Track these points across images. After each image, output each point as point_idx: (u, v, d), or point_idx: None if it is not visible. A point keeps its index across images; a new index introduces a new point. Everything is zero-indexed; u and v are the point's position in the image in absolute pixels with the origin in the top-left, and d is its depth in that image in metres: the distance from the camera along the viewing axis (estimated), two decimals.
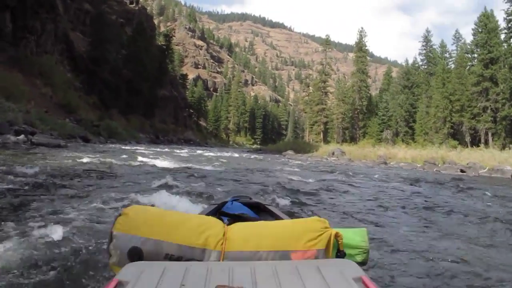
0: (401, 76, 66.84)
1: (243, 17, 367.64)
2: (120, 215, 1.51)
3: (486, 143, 44.59)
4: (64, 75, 35.90)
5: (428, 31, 62.31)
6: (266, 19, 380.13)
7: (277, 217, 2.38)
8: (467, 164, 23.47)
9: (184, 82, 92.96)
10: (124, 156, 13.34)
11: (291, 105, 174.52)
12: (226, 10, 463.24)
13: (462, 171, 22.11)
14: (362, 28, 68.35)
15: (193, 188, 7.08)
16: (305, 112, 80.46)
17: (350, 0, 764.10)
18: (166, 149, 25.03)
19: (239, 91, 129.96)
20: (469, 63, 49.72)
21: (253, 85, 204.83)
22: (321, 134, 71.40)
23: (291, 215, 3.61)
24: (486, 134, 45.18)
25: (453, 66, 54.97)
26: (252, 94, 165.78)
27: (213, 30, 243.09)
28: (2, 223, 3.61)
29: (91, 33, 45.79)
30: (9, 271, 2.56)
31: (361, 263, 1.57)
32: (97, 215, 4.26)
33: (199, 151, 26.86)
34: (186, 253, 1.43)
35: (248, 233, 1.50)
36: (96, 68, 44.38)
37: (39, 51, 34.13)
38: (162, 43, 69.59)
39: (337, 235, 1.51)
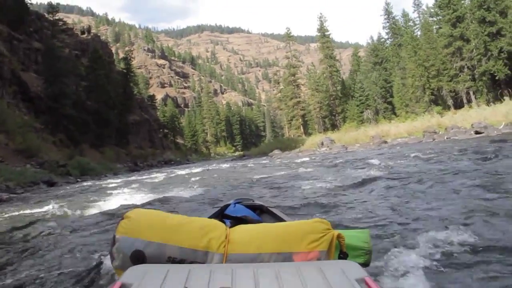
0: (369, 53, 65.99)
1: (200, 28, 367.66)
2: (123, 218, 1.52)
3: (470, 102, 43.52)
4: (20, 118, 33.42)
5: (387, 3, 61.25)
6: (223, 26, 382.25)
7: (279, 219, 2.34)
8: (472, 125, 21.95)
9: (153, 103, 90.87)
10: (86, 196, 11.12)
11: (264, 105, 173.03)
12: (182, 24, 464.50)
13: (478, 132, 20.81)
14: (321, 13, 67.08)
15: None
16: (281, 109, 78.96)
17: None
18: (143, 176, 22.85)
19: (210, 102, 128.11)
20: (436, 26, 48.68)
21: (222, 93, 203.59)
22: (301, 127, 70.22)
23: (294, 217, 3.36)
24: (468, 94, 44.11)
25: (419, 33, 54.03)
26: (224, 102, 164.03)
27: (172, 47, 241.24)
28: None
29: (44, 70, 43.37)
30: None
31: (364, 264, 1.60)
32: None
33: (178, 172, 24.76)
34: (189, 256, 1.44)
35: (251, 236, 1.50)
36: (56, 105, 41.97)
37: None
38: (122, 68, 67.18)
39: (339, 237, 1.50)
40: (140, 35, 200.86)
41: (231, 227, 1.59)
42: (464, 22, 42.75)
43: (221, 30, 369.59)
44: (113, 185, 16.20)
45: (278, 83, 78.74)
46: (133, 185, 14.54)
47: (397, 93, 53.87)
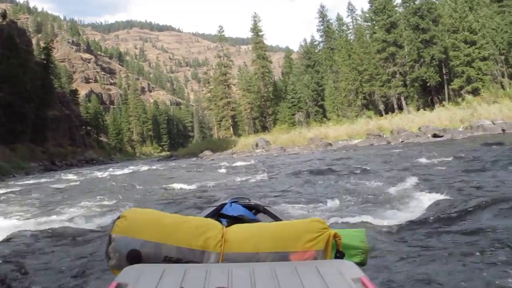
0: (302, 56, 65.33)
1: (129, 24, 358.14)
2: (119, 218, 1.51)
3: (400, 108, 43.59)
4: None
5: (322, 7, 60.97)
6: (153, 23, 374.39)
7: (276, 218, 2.32)
8: (420, 129, 21.03)
9: (75, 98, 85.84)
10: None
11: (193, 105, 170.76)
12: (110, 19, 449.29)
13: (436, 135, 20.14)
14: (255, 13, 66.12)
15: None
16: (210, 109, 77.02)
17: None
18: (51, 178, 19.99)
19: (137, 100, 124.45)
20: (370, 31, 48.70)
21: (150, 91, 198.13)
22: (231, 128, 68.79)
23: (290, 216, 3.28)
24: (399, 99, 44.20)
25: (353, 37, 53.95)
26: (152, 100, 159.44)
27: (99, 42, 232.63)
28: None
29: None
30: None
31: (361, 264, 1.57)
32: None
33: (95, 173, 22.12)
34: (185, 255, 1.43)
35: (247, 235, 1.49)
36: None
37: None
38: (42, 58, 62.39)
39: (336, 236, 1.49)
40: (65, 27, 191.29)
41: (227, 226, 1.57)
42: (398, 28, 42.81)
43: (151, 27, 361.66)
44: (13, 189, 13.64)
45: (208, 82, 76.78)
46: (38, 191, 12.18)
47: (329, 96, 53.44)
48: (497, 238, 3.52)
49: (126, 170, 23.06)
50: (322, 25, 60.51)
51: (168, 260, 1.41)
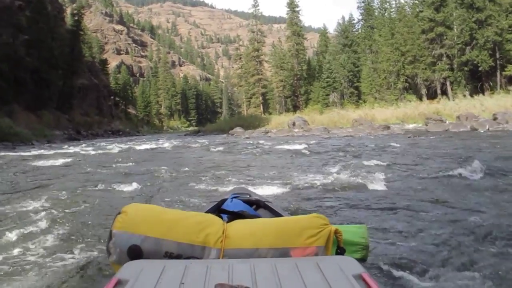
0: (339, 34, 62.54)
1: None
2: (119, 213, 1.51)
3: (444, 93, 40.78)
4: None
5: None
6: None
7: (276, 214, 2.33)
8: (495, 115, 18.29)
9: (105, 68, 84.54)
10: None
11: (222, 82, 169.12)
12: None
13: None
14: None
15: None
16: (240, 86, 75.33)
17: None
18: (73, 149, 18.31)
19: (167, 73, 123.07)
20: (416, 9, 45.59)
21: (181, 65, 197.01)
22: (261, 106, 66.63)
23: (291, 212, 3.23)
24: (444, 84, 41.30)
25: (395, 16, 50.93)
26: (181, 75, 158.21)
27: (132, 14, 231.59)
28: None
29: None
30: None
31: (361, 260, 1.61)
32: None
33: (116, 146, 20.20)
34: (186, 251, 1.43)
35: (248, 231, 1.49)
36: None
37: None
38: (72, 25, 60.98)
39: (336, 232, 1.50)
40: None
41: (228, 222, 1.57)
42: (448, 7, 39.69)
43: (184, 2, 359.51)
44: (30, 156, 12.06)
45: (240, 58, 74.76)
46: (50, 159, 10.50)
47: (366, 77, 50.88)
48: None
49: (152, 145, 20.98)
50: (363, 1, 57.49)
51: (168, 255, 1.41)
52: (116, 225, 1.46)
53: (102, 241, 3.60)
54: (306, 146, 13.91)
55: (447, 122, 20.58)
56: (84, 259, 3.11)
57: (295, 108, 60.74)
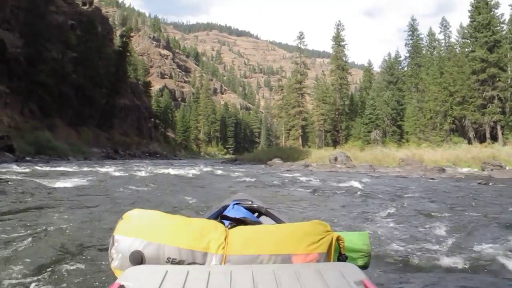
0: (384, 71, 61.46)
1: (209, 26, 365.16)
2: (121, 219, 1.51)
3: (493, 138, 38.98)
4: None
5: (414, 19, 56.86)
6: (232, 27, 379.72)
7: (278, 221, 2.34)
8: None
9: (148, 90, 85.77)
10: None
11: (262, 112, 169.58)
12: (192, 20, 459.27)
13: None
14: (339, 21, 62.83)
15: None
16: (280, 117, 74.54)
17: (315, 7, 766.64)
18: (106, 168, 17.61)
19: (208, 99, 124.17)
20: (463, 49, 44.26)
21: (222, 93, 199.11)
22: (300, 138, 65.55)
23: (293, 219, 2.99)
24: (493, 128, 39.53)
25: (444, 55, 49.61)
26: (222, 102, 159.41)
27: (179, 40, 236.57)
28: None
29: (24, 28, 38.41)
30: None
31: (363, 267, 1.62)
32: None
33: (141, 169, 19.18)
34: (188, 257, 1.43)
35: (250, 237, 1.49)
36: (30, 69, 36.92)
37: None
38: (119, 46, 62.16)
39: (338, 239, 1.51)
40: (148, 23, 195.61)
41: (230, 228, 1.55)
42: (503, 47, 38.29)
43: (229, 31, 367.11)
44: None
45: (282, 89, 74.19)
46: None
47: (411, 116, 49.34)
48: None
49: (187, 170, 19.20)
50: (411, 39, 56.41)
51: (170, 261, 1.41)
52: (118, 230, 1.45)
53: (103, 247, 3.53)
54: (358, 185, 11.77)
55: (506, 168, 18.93)
56: (87, 265, 3.08)
57: (335, 143, 59.56)
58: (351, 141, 55.32)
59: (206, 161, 57.70)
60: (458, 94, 41.33)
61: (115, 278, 1.26)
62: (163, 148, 72.78)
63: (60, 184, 9.34)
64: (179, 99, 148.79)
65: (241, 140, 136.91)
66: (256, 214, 2.49)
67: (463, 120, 41.79)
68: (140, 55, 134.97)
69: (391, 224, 5.63)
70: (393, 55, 62.19)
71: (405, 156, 25.94)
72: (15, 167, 14.01)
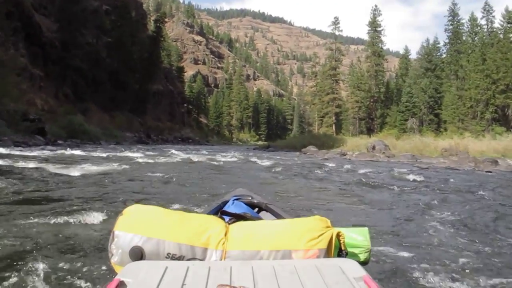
0: (422, 58, 59.58)
1: (243, 13, 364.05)
2: (121, 214, 1.51)
3: None
4: (15, 58, 28.24)
5: (454, 4, 54.67)
6: (266, 14, 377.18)
7: (278, 216, 2.31)
8: None
9: (181, 75, 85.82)
10: None
11: (295, 99, 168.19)
12: (225, 7, 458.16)
13: None
14: (375, 6, 61.14)
15: None
16: (313, 104, 73.95)
17: None
18: (134, 153, 17.04)
19: (241, 86, 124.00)
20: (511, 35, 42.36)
21: (255, 79, 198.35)
22: (333, 126, 64.49)
23: (293, 214, 2.97)
24: None
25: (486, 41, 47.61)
26: (255, 88, 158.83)
27: (212, 26, 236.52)
28: None
29: (59, 13, 38.49)
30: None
31: (363, 262, 1.61)
32: None
33: (175, 152, 18.63)
34: (188, 253, 1.43)
35: (250, 233, 1.50)
36: (65, 53, 37.03)
37: None
38: (152, 31, 62.11)
39: (338, 234, 1.51)
40: (182, 9, 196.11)
41: (230, 224, 1.56)
42: None
43: (263, 17, 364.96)
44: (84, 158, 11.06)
45: (315, 76, 73.13)
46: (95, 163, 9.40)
47: (450, 104, 47.66)
48: None
49: (221, 157, 18.70)
50: (451, 24, 54.34)
51: (170, 257, 1.41)
52: (118, 226, 1.45)
53: (104, 242, 3.32)
54: (416, 178, 10.45)
55: None
56: (86, 260, 3.05)
57: (369, 131, 58.33)
58: (386, 130, 54.09)
59: (238, 147, 57.31)
60: (501, 82, 39.70)
61: (115, 274, 1.25)
62: (195, 134, 72.80)
63: (79, 170, 8.86)
64: (212, 85, 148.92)
65: (274, 127, 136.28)
66: (256, 209, 2.46)
67: (506, 109, 40.20)
68: (174, 41, 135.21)
69: None
70: (431, 41, 60.26)
71: (448, 146, 24.72)
72: (43, 151, 13.71)
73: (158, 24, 61.08)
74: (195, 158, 16.20)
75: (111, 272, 1.52)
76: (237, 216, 1.78)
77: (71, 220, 4.24)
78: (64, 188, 6.48)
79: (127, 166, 10.68)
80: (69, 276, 2.68)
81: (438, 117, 51.17)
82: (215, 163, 14.74)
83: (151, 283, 1.11)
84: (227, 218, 1.72)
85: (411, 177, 10.89)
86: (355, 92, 62.24)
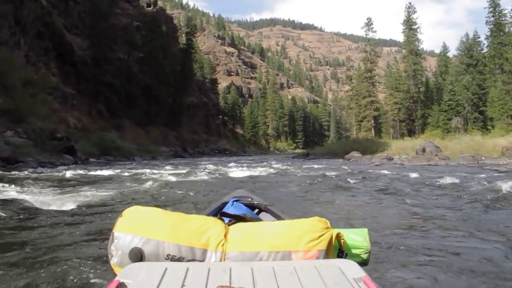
0: (462, 53, 57.24)
1: (273, 22, 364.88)
2: (121, 215, 1.51)
3: None
4: (46, 78, 27.95)
5: None
6: (296, 21, 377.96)
7: (278, 218, 2.25)
8: None
9: (214, 87, 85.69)
10: None
11: (330, 105, 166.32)
12: (255, 17, 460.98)
13: None
14: (410, 3, 59.18)
15: None
16: (350, 109, 72.07)
17: None
18: (169, 170, 15.79)
19: (275, 94, 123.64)
20: None
21: (289, 87, 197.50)
22: (372, 130, 62.59)
23: (292, 215, 2.65)
24: None
25: None
26: (289, 96, 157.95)
27: (243, 37, 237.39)
28: None
29: (88, 30, 38.52)
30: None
31: (363, 264, 1.58)
32: None
33: (211, 167, 17.25)
34: (187, 254, 1.43)
35: (249, 234, 1.49)
36: (97, 70, 36.86)
37: None
38: (184, 44, 62.00)
39: (338, 235, 1.51)
40: (212, 22, 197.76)
41: (229, 225, 1.55)
42: None
43: (293, 25, 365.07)
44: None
45: (351, 79, 71.41)
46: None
47: (497, 100, 45.21)
48: None
49: (260, 168, 16.94)
50: (492, 15, 51.88)
51: (170, 258, 1.41)
52: (118, 227, 1.44)
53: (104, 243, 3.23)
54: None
55: None
56: (86, 261, 3.04)
57: (410, 133, 56.34)
58: (429, 130, 51.92)
59: (276, 156, 56.28)
60: None
61: (114, 275, 1.25)
62: (232, 145, 72.33)
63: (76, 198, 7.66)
64: (246, 95, 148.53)
65: (310, 134, 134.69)
66: (256, 210, 2.40)
67: None
68: (206, 54, 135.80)
69: None
70: (471, 36, 57.86)
71: (508, 144, 22.64)
72: (61, 172, 12.69)
73: (189, 37, 60.77)
74: (234, 173, 14.69)
75: (111, 273, 1.46)
76: (236, 218, 1.72)
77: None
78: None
79: (147, 186, 9.48)
80: (69, 276, 2.66)
81: (484, 115, 48.83)
82: (256, 177, 13.26)
83: (151, 284, 1.12)
84: (226, 220, 1.70)
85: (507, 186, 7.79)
86: (393, 93, 60.31)
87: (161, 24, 54.22)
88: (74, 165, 16.71)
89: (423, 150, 26.06)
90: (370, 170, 15.93)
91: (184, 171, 14.87)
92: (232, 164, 22.09)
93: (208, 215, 1.96)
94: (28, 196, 6.60)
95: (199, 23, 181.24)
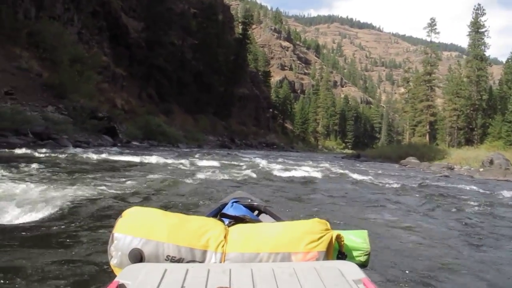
0: None
1: (330, 19, 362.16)
2: (121, 216, 1.51)
3: None
4: (97, 57, 27.59)
5: None
6: (354, 20, 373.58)
7: (278, 219, 2.21)
8: None
9: (267, 80, 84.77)
10: None
11: (383, 106, 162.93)
12: (313, 13, 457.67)
13: None
14: (479, 4, 56.06)
15: None
16: (405, 112, 69.85)
17: None
18: (214, 161, 14.09)
19: (328, 92, 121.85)
20: None
21: (342, 86, 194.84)
22: (427, 136, 59.99)
23: (292, 217, 3.09)
24: None
25: None
26: (342, 95, 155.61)
27: (300, 32, 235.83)
28: None
29: (144, 12, 38.25)
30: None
31: (362, 265, 1.60)
32: None
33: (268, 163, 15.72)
34: (187, 255, 1.43)
35: (249, 235, 1.49)
36: (149, 53, 36.51)
37: (40, 15, 25.37)
38: (239, 33, 61.24)
39: (338, 237, 1.51)
40: (270, 15, 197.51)
41: (229, 226, 1.56)
42: None
43: (351, 23, 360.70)
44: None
45: (407, 82, 68.92)
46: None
47: None
48: None
49: (310, 168, 14.61)
50: None
51: (170, 259, 1.40)
52: (118, 228, 1.43)
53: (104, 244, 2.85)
54: None
55: None
56: (86, 262, 2.94)
57: (468, 142, 53.50)
58: (489, 141, 49.04)
59: (325, 155, 54.77)
60: None
61: (114, 276, 1.24)
62: (280, 140, 71.45)
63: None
64: (298, 91, 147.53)
65: (361, 135, 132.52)
66: (256, 212, 2.32)
67: None
68: (261, 47, 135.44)
69: None
70: None
71: None
72: (91, 154, 11.72)
73: (245, 27, 59.95)
74: (288, 172, 12.46)
75: (110, 274, 1.45)
76: (236, 219, 1.72)
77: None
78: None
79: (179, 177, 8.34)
80: (69, 277, 2.64)
81: None
82: (308, 177, 11.47)
83: (151, 286, 1.12)
84: (226, 221, 1.69)
85: None
86: (453, 99, 57.44)
87: (217, 12, 53.59)
88: (111, 147, 15.85)
89: (491, 162, 23.62)
90: (443, 184, 12.55)
91: (225, 163, 13.69)
92: (280, 159, 20.75)
93: (208, 216, 1.92)
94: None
95: (256, 15, 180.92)
